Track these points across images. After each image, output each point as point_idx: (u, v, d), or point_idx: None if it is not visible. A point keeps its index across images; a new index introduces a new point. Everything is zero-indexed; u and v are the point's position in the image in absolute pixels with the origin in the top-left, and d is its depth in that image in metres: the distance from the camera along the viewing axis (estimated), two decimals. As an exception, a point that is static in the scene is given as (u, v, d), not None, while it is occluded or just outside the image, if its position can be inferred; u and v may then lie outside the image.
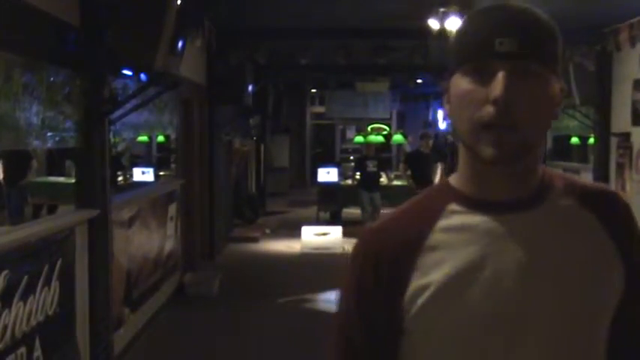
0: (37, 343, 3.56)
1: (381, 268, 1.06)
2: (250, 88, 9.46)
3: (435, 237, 1.05)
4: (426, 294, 1.03)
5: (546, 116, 1.02)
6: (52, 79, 3.92)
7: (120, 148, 10.47)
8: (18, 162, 8.48)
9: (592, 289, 1.03)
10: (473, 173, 1.06)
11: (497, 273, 1.01)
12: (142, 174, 9.78)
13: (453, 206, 1.06)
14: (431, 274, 1.03)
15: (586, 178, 9.28)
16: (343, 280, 1.12)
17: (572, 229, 1.05)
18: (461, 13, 7.06)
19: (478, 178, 1.05)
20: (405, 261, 1.04)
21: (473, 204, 1.05)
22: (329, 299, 7.18)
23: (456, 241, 1.04)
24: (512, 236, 1.03)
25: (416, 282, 1.03)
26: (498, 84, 0.97)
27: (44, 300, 3.65)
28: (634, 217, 1.12)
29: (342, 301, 1.12)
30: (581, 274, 1.03)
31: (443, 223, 1.05)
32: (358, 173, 11.55)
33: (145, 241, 5.95)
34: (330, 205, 12.28)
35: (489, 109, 0.97)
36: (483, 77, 0.99)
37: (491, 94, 0.97)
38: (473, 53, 1.00)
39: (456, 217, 1.05)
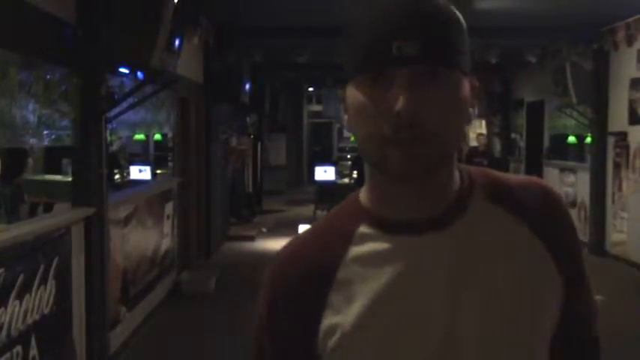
0: (33, 341, 3.55)
1: (291, 304, 0.94)
2: (247, 86, 9.45)
3: (347, 268, 0.92)
4: (337, 335, 0.91)
5: (460, 122, 0.89)
6: (48, 76, 3.90)
7: (115, 147, 10.44)
8: (13, 159, 8.45)
9: (528, 304, 0.91)
10: (381, 190, 0.93)
11: (415, 304, 0.89)
12: (139, 172, 9.76)
13: (364, 229, 0.94)
14: (341, 311, 0.91)
15: (583, 176, 9.28)
16: (256, 314, 1.00)
17: (498, 240, 0.93)
18: (457, 11, 7.04)
19: (387, 196, 0.93)
20: (316, 297, 0.92)
21: (384, 225, 0.92)
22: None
23: (368, 272, 0.91)
24: (430, 259, 0.90)
25: (327, 321, 0.91)
26: (400, 96, 0.83)
27: (40, 298, 3.64)
28: (566, 211, 0.99)
29: (256, 336, 1.00)
30: (513, 290, 0.91)
31: (354, 250, 0.93)
32: (355, 172, 11.57)
33: (142, 239, 5.94)
34: (327, 204, 12.27)
35: (393, 124, 0.84)
36: (382, 87, 0.85)
37: (394, 108, 0.84)
38: (368, 60, 0.86)
39: (367, 244, 0.93)
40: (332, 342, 0.91)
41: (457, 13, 0.90)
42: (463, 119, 0.90)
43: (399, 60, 0.84)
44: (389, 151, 0.86)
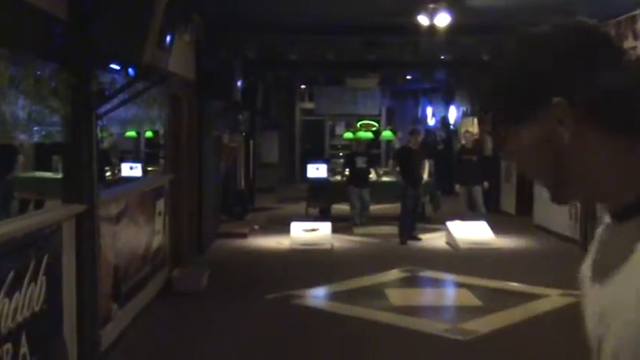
0: (24, 339, 3.53)
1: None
2: (239, 83, 9.44)
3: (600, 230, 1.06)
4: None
5: (535, 161, 0.98)
6: (38, 72, 3.88)
7: (106, 144, 10.41)
8: (4, 156, 8.41)
9: None
10: None
11: (586, 286, 1.01)
12: (130, 169, 9.75)
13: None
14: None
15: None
16: None
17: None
18: (450, 10, 7.06)
19: None
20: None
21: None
22: (318, 295, 7.18)
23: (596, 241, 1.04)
24: (606, 247, 0.98)
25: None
26: None
27: (31, 296, 3.62)
28: None
29: None
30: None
31: (605, 219, 1.05)
32: (347, 169, 11.56)
33: (133, 236, 5.92)
34: (319, 201, 12.28)
35: None
36: None
37: None
38: None
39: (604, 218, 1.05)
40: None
41: (515, 60, 0.99)
42: (538, 157, 0.98)
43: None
44: None
